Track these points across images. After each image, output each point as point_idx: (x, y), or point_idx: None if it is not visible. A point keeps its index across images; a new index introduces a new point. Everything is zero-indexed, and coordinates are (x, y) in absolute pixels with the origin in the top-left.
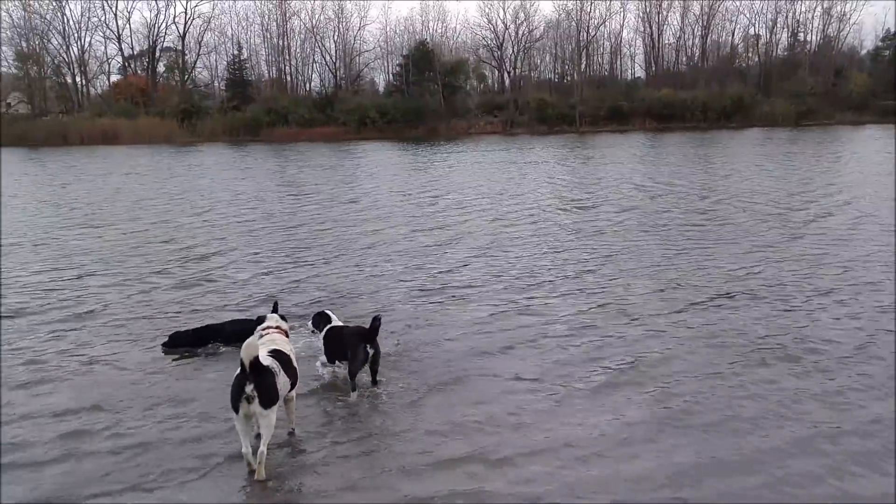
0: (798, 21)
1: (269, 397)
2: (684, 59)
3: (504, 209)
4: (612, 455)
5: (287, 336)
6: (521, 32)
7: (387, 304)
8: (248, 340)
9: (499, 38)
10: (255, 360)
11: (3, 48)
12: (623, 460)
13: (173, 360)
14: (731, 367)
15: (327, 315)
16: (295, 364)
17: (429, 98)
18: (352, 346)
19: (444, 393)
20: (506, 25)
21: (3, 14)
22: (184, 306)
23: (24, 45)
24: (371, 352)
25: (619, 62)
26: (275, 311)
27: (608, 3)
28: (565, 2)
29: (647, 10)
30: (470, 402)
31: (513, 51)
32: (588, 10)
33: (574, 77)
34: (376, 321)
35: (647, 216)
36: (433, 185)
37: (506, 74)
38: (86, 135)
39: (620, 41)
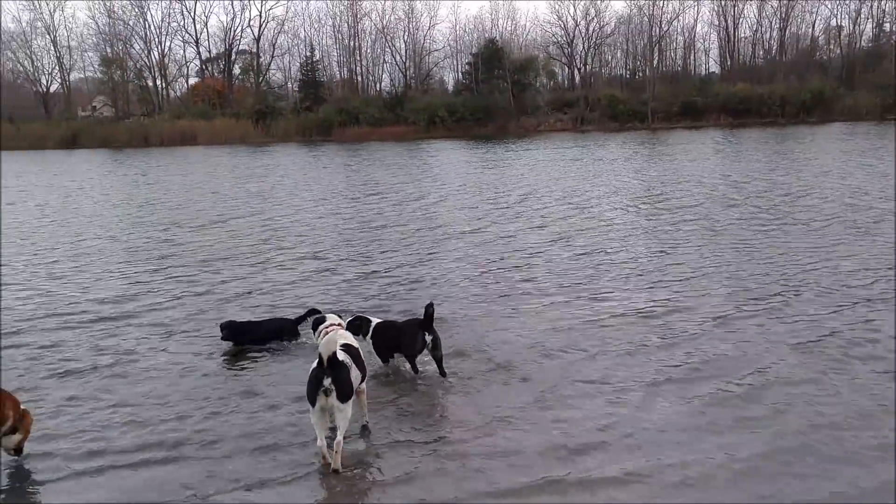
0: (884, 11)
1: (345, 391)
2: (761, 52)
3: (580, 206)
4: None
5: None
6: (591, 29)
7: (467, 302)
8: (328, 336)
9: (569, 34)
10: (333, 355)
11: (89, 54)
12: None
13: (244, 356)
14: (822, 371)
15: (367, 318)
16: (362, 358)
17: (498, 96)
18: (409, 333)
19: (528, 389)
20: (576, 22)
21: (90, 20)
22: (266, 304)
23: (108, 50)
24: (430, 339)
25: (692, 57)
26: (310, 314)
27: None
28: None
29: (723, 3)
30: (553, 399)
31: (583, 47)
32: (660, 5)
33: (646, 73)
34: (430, 308)
35: (735, 213)
36: (508, 183)
37: (576, 71)
38: (166, 136)
39: (694, 36)
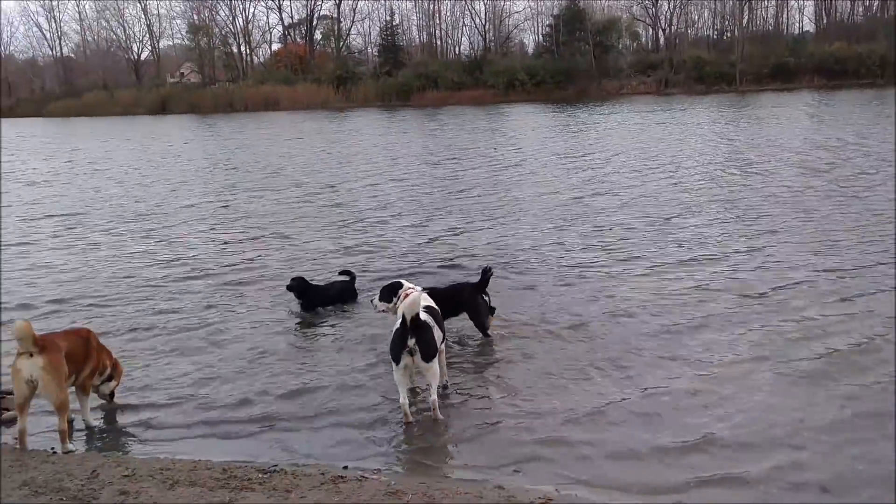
0: None
1: (430, 351)
2: (861, 9)
3: (666, 172)
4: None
5: None
6: None
7: (554, 272)
8: (411, 297)
9: None
10: (417, 316)
11: (178, 21)
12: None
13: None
14: None
15: (401, 283)
16: (441, 319)
17: (579, 58)
18: (470, 300)
19: (620, 368)
20: None
21: None
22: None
23: (195, 17)
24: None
25: (784, 15)
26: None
27: None
28: None
29: None
30: (651, 379)
31: (668, 7)
32: None
33: (734, 33)
34: (488, 272)
35: (832, 182)
36: (592, 147)
37: (660, 32)
38: (249, 102)
39: None
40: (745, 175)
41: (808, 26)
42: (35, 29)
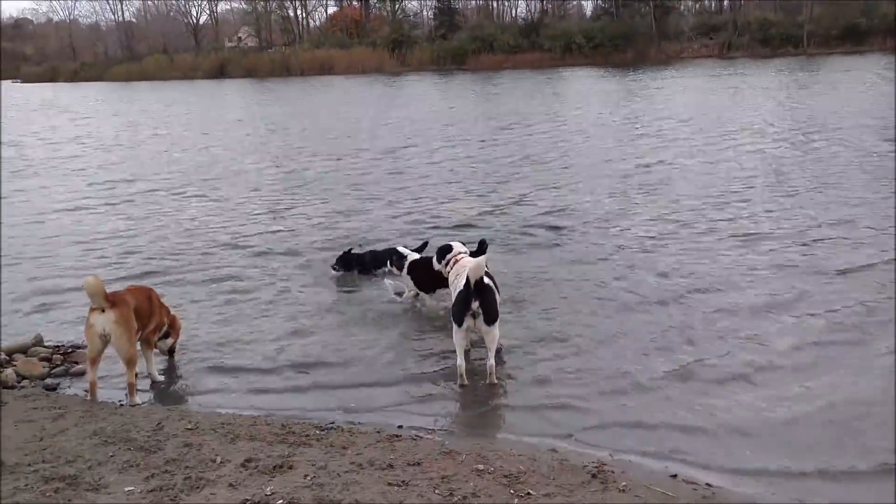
0: None
1: (492, 314)
2: None
3: (743, 138)
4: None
5: None
6: None
7: (622, 243)
8: (477, 260)
9: None
10: (481, 280)
11: None
12: None
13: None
14: None
15: (401, 252)
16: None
17: (639, 20)
18: None
19: (687, 342)
20: None
21: None
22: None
23: None
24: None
25: None
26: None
27: None
28: None
29: None
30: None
31: None
32: None
33: None
34: (484, 244)
35: None
36: (661, 112)
37: None
38: (305, 66)
39: None
40: (826, 142)
41: None
42: None
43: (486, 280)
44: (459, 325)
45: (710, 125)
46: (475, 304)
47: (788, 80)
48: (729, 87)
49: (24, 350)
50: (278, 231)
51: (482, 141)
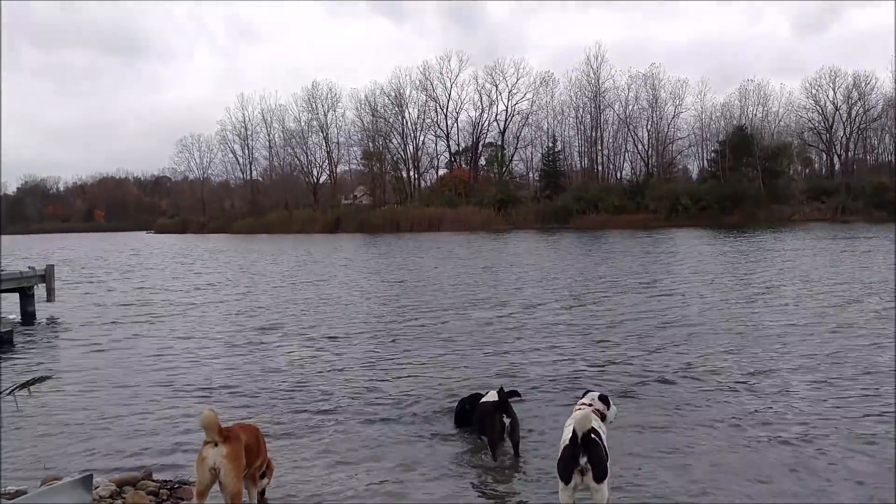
0: None
1: (602, 471)
2: None
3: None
4: None
5: (603, 419)
6: (854, 112)
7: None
8: (583, 413)
9: (828, 119)
10: (589, 433)
11: (354, 148)
12: None
13: None
14: None
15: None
16: (605, 444)
17: (747, 184)
18: (487, 414)
19: None
20: (836, 106)
21: (356, 119)
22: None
23: (370, 145)
24: (508, 421)
25: None
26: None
27: None
28: None
29: None
30: None
31: (844, 132)
32: None
33: None
34: (503, 391)
35: None
36: (777, 277)
37: (835, 158)
38: (415, 222)
39: None
40: None
41: None
42: (231, 155)
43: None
44: (567, 482)
45: (823, 294)
46: (583, 460)
47: None
48: (866, 251)
49: (133, 482)
50: (375, 378)
51: (586, 299)
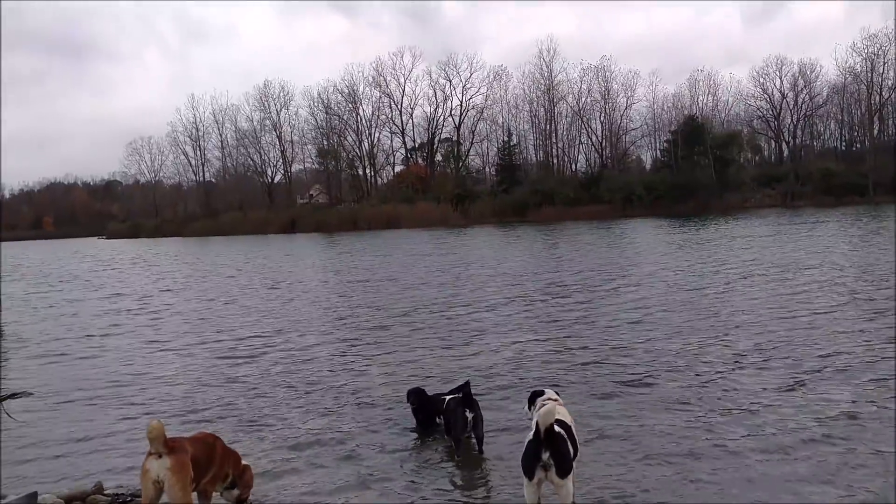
0: None
1: (565, 467)
2: None
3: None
4: None
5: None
6: (801, 100)
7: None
8: (546, 407)
9: (775, 107)
10: (551, 428)
11: (308, 147)
12: None
13: None
14: None
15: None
16: (576, 434)
17: (699, 172)
18: (451, 410)
19: None
20: (783, 94)
21: (310, 117)
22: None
23: (324, 143)
24: (471, 416)
25: None
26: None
27: None
28: (853, 63)
29: None
30: None
31: (792, 120)
32: (880, 71)
33: (865, 144)
34: (467, 386)
35: None
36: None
37: (784, 145)
38: (372, 220)
39: None
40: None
41: None
42: (182, 157)
43: (556, 429)
44: (530, 477)
45: (779, 275)
46: (545, 455)
47: (876, 226)
48: (810, 235)
49: (82, 497)
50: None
51: (544, 292)
